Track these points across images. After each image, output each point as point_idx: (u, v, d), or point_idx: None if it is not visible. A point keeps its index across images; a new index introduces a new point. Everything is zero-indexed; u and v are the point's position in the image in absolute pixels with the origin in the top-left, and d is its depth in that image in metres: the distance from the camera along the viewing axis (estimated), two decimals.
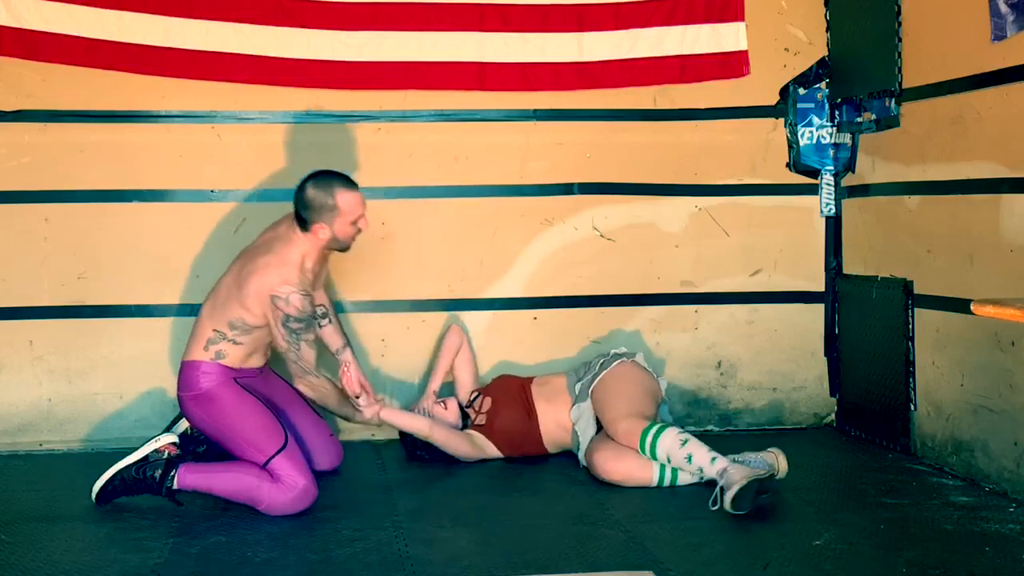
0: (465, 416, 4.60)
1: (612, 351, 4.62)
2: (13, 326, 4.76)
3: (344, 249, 4.15)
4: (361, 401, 4.28)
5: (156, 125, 4.83)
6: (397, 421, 4.43)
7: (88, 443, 4.78)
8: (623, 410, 4.22)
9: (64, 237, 4.79)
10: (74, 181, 4.78)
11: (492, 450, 4.55)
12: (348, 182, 4.05)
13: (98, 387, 4.82)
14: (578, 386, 4.50)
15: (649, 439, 4.08)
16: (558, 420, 4.51)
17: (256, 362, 4.07)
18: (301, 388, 4.08)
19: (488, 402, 4.59)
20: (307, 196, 3.98)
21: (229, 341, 3.94)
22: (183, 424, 4.26)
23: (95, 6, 4.65)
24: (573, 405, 4.47)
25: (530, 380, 4.66)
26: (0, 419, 4.77)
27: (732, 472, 3.83)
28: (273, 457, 3.81)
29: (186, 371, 3.97)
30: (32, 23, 4.62)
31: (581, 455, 4.38)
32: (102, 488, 3.88)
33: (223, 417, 3.90)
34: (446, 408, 4.59)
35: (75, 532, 3.67)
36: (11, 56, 4.65)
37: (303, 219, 3.99)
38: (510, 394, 4.58)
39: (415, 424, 4.43)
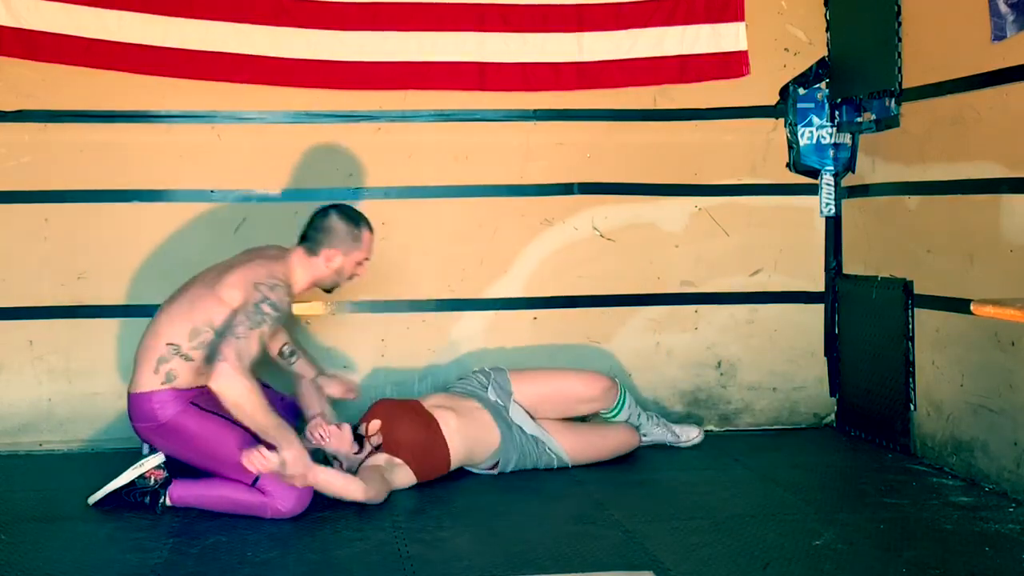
0: (359, 441, 4.07)
1: (482, 370, 4.51)
2: (13, 326, 4.76)
3: (332, 288, 4.12)
4: (287, 456, 3.64)
5: (156, 125, 4.83)
6: (331, 488, 3.78)
7: (88, 443, 4.78)
8: (581, 376, 4.56)
9: (64, 237, 4.79)
10: (74, 181, 4.78)
11: (401, 476, 4.06)
12: (369, 223, 4.10)
13: (98, 387, 4.82)
14: (515, 412, 4.34)
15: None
16: (467, 433, 4.20)
17: (206, 380, 3.84)
18: (212, 382, 3.65)
19: (375, 424, 4.12)
20: (330, 222, 3.99)
21: (182, 356, 3.78)
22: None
23: (95, 6, 4.65)
24: (532, 423, 4.35)
25: (415, 401, 4.33)
26: (0, 419, 4.77)
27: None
28: (258, 477, 3.73)
29: (138, 404, 3.82)
30: (32, 23, 4.62)
31: (560, 461, 4.37)
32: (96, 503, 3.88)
33: (192, 445, 3.79)
34: (341, 430, 4.01)
35: (75, 532, 3.67)
36: (11, 56, 4.65)
37: (315, 242, 3.98)
38: (399, 409, 4.20)
39: (350, 490, 3.81)
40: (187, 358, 3.81)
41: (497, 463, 4.30)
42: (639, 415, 4.69)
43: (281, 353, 4.27)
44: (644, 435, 4.69)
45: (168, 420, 3.80)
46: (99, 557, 3.41)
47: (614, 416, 4.60)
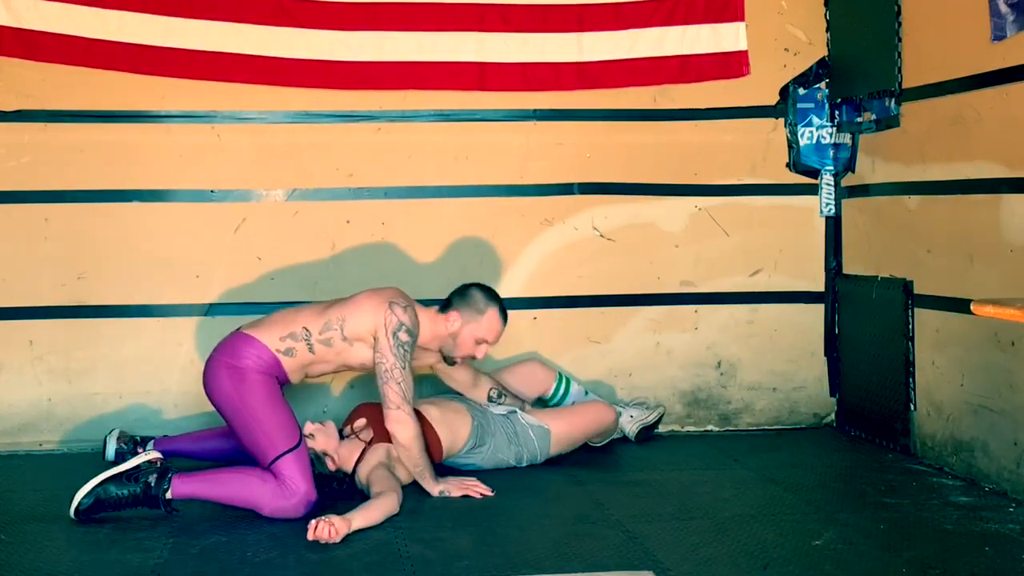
0: (340, 434, 4.14)
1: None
2: (13, 326, 4.76)
3: (446, 357, 4.25)
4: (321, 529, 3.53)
5: (156, 125, 4.83)
6: (372, 520, 3.69)
7: (88, 443, 4.77)
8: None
9: (64, 237, 4.79)
10: (74, 181, 4.78)
11: (402, 469, 4.06)
12: (505, 313, 4.22)
13: (98, 387, 4.82)
14: (501, 411, 4.46)
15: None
16: (447, 419, 4.27)
17: (297, 379, 4.03)
18: (389, 426, 3.94)
19: (362, 422, 4.16)
20: (468, 289, 4.19)
21: (308, 344, 3.94)
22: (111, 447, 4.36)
23: (95, 6, 4.65)
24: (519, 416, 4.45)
25: None
26: (0, 419, 4.77)
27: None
28: (282, 455, 3.77)
29: (241, 342, 3.92)
30: (32, 23, 4.62)
31: (541, 439, 4.42)
32: (87, 500, 3.73)
33: (250, 399, 3.85)
34: (326, 427, 4.07)
35: (75, 532, 3.67)
36: (11, 56, 4.65)
37: (448, 303, 4.17)
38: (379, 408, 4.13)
39: (387, 509, 3.74)
40: (311, 348, 3.95)
41: (476, 442, 4.31)
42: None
43: (489, 398, 4.52)
44: (630, 416, 4.83)
45: (248, 368, 3.87)
46: (99, 557, 3.41)
47: (564, 395, 4.74)
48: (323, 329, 3.97)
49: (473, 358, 4.27)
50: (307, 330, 3.96)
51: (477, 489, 4.02)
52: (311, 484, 3.80)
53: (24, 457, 4.71)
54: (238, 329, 4.02)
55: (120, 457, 4.31)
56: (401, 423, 3.94)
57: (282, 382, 3.98)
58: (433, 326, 4.14)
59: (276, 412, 3.87)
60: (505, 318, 4.22)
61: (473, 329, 4.15)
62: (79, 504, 3.72)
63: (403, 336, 3.93)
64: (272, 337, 3.94)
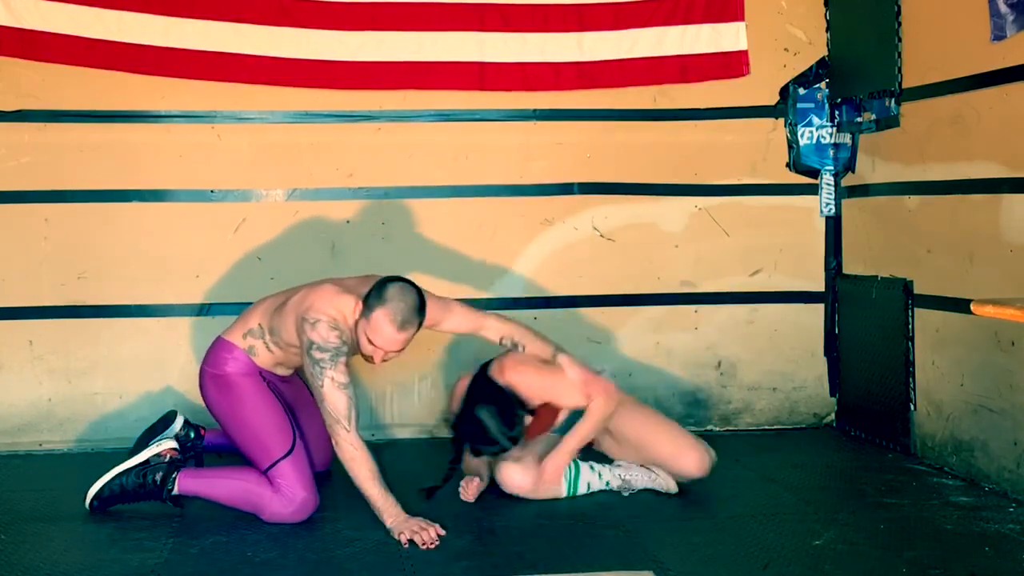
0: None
1: None
2: (13, 326, 4.76)
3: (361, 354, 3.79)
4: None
5: (156, 125, 4.83)
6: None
7: (88, 443, 4.78)
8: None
9: (64, 237, 4.79)
10: (74, 181, 4.78)
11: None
12: (397, 314, 3.59)
13: (98, 387, 4.83)
14: None
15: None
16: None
17: (283, 372, 3.99)
18: (338, 450, 3.63)
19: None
20: (385, 285, 3.65)
21: (264, 343, 3.87)
22: (176, 426, 4.20)
23: (95, 6, 4.65)
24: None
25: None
26: (0, 419, 4.77)
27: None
28: (277, 462, 3.74)
29: (218, 348, 3.90)
30: (32, 23, 4.62)
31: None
32: (100, 493, 3.83)
33: (238, 406, 3.84)
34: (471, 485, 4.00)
35: (75, 532, 3.68)
36: (11, 56, 4.65)
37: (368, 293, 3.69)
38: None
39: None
40: (268, 346, 3.88)
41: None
42: None
43: (503, 346, 4.07)
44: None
45: (230, 374, 3.84)
46: (99, 557, 3.41)
47: None
48: (271, 332, 3.85)
49: (370, 359, 3.70)
50: (261, 328, 3.87)
51: (429, 534, 3.50)
52: (310, 490, 3.77)
53: (24, 457, 4.71)
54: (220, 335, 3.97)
55: (179, 441, 4.13)
56: (340, 448, 3.60)
57: (271, 380, 3.91)
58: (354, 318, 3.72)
59: (267, 418, 3.82)
60: (406, 322, 3.59)
61: (364, 325, 3.63)
62: (96, 495, 3.81)
63: (316, 354, 3.60)
64: (237, 335, 3.89)
